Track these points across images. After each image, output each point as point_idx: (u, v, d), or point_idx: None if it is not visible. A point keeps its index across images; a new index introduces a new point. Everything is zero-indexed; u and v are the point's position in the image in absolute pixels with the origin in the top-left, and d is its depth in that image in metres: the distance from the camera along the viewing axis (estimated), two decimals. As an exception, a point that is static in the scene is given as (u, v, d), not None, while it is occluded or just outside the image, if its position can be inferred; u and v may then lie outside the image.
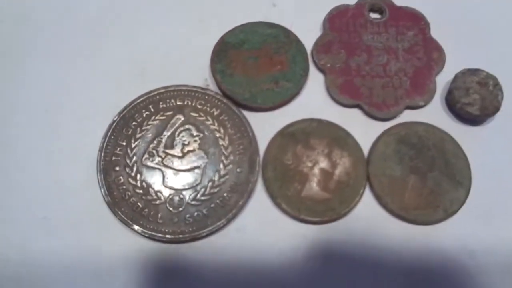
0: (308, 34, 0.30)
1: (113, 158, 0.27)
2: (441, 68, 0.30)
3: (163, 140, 0.27)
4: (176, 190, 0.26)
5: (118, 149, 0.27)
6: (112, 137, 0.27)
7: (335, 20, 0.30)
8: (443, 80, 0.30)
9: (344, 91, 0.29)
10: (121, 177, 0.26)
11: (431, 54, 0.30)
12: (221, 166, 0.27)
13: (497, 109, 0.28)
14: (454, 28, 0.31)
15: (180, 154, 0.27)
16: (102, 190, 0.26)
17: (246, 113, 0.28)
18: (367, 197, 0.27)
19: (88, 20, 0.31)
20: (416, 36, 0.30)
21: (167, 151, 0.27)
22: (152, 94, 0.28)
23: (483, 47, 0.31)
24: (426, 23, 0.31)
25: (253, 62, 0.29)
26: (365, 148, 0.28)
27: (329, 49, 0.30)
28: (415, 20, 0.31)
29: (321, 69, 0.29)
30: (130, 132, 0.27)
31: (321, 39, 0.30)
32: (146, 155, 0.27)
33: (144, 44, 0.30)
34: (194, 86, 0.29)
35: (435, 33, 0.30)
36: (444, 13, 0.31)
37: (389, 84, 0.29)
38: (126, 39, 0.30)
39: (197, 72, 0.29)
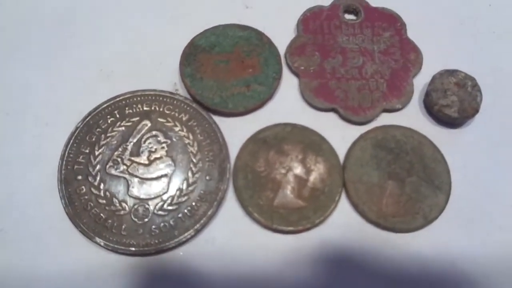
0: (282, 37, 0.29)
1: (75, 166, 0.25)
2: (418, 69, 0.29)
3: (129, 147, 0.26)
4: (141, 199, 0.25)
5: (81, 157, 0.26)
6: (75, 144, 0.26)
7: (309, 21, 0.30)
8: (420, 82, 0.29)
9: (318, 95, 0.28)
10: (83, 187, 0.25)
11: (408, 56, 0.29)
12: (190, 174, 0.25)
13: (476, 110, 0.27)
14: (431, 29, 0.30)
15: (146, 162, 0.26)
16: (63, 201, 0.25)
17: (217, 119, 0.27)
18: (343, 204, 0.26)
19: (53, 20, 0.30)
20: (392, 37, 0.29)
21: (133, 158, 0.26)
22: (118, 99, 0.27)
23: (461, 48, 0.30)
24: (403, 24, 0.30)
25: (224, 65, 0.28)
26: (341, 153, 0.27)
27: (303, 51, 0.29)
28: (391, 21, 0.30)
29: (295, 72, 0.28)
30: (94, 139, 0.26)
31: (295, 41, 0.29)
32: (110, 163, 0.26)
33: (111, 46, 0.29)
34: (162, 91, 0.27)
35: (411, 34, 0.30)
36: (420, 14, 0.31)
37: (365, 86, 0.28)
38: (93, 41, 0.29)
39: (166, 76, 0.28)
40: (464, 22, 0.31)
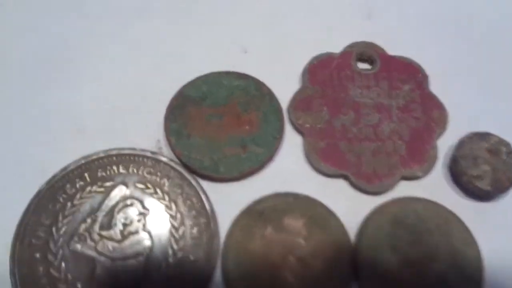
0: (284, 87, 0.25)
1: (33, 241, 0.21)
2: (443, 130, 0.25)
3: (99, 219, 0.22)
4: (110, 285, 0.21)
5: (41, 229, 0.21)
6: (35, 213, 0.22)
7: (317, 71, 0.26)
8: (445, 144, 0.25)
9: (326, 158, 0.24)
10: (41, 268, 0.21)
11: (431, 113, 0.25)
12: (170, 252, 0.21)
13: (512, 183, 0.23)
14: (457, 82, 0.26)
15: (119, 237, 0.21)
16: (14, 287, 0.20)
17: (205, 185, 0.23)
18: (355, 295, 0.21)
19: (20, 63, 0.26)
20: (412, 91, 0.25)
21: (103, 233, 0.21)
22: (90, 159, 0.23)
23: (493, 106, 0.26)
24: (424, 76, 0.26)
25: (216, 121, 0.24)
26: (352, 230, 0.22)
27: (309, 105, 0.25)
28: (411, 72, 0.26)
29: (299, 130, 0.24)
30: (57, 207, 0.22)
31: (300, 93, 0.25)
32: (76, 238, 0.21)
33: (84, 95, 0.25)
34: (143, 150, 0.23)
35: (434, 87, 0.26)
36: (444, 64, 0.27)
37: (381, 149, 0.24)
38: (63, 88, 0.25)
39: (147, 132, 0.24)
40: (496, 76, 0.27)
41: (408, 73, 0.26)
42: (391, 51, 0.26)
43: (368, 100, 0.25)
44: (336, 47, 0.26)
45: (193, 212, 0.22)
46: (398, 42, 0.27)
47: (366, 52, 0.26)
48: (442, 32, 0.28)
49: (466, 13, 0.28)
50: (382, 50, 0.26)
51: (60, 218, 0.22)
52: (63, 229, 0.21)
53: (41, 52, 0.26)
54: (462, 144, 0.24)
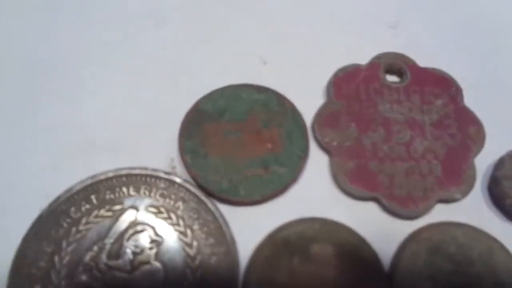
0: (308, 102, 0.23)
1: (33, 271, 0.19)
2: (480, 147, 0.23)
3: (107, 247, 0.19)
4: (119, 324, 0.18)
5: (42, 258, 0.19)
6: (35, 240, 0.19)
7: (342, 84, 0.24)
8: (483, 163, 0.23)
9: (355, 179, 0.21)
10: (41, 303, 0.19)
11: (467, 129, 0.23)
12: (186, 285, 0.19)
13: (561, 208, 0.21)
14: (493, 95, 0.24)
15: (128, 268, 0.19)
16: (10, 325, 0.18)
17: (224, 209, 0.21)
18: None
19: (21, 73, 0.24)
20: (446, 106, 0.24)
21: (111, 263, 0.19)
22: (97, 179, 0.21)
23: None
24: (458, 89, 0.24)
25: (235, 138, 0.22)
26: (385, 258, 0.20)
27: (335, 122, 0.23)
28: (444, 85, 0.24)
29: (325, 149, 0.22)
30: (61, 233, 0.20)
31: (325, 108, 0.23)
32: (81, 269, 0.19)
33: (91, 109, 0.23)
34: (155, 170, 0.21)
35: (469, 101, 0.24)
36: (479, 76, 0.25)
37: (415, 170, 0.22)
38: (68, 101, 0.23)
39: (160, 151, 0.22)
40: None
41: (441, 87, 0.24)
42: (421, 62, 0.25)
43: (398, 116, 0.23)
44: (362, 59, 0.25)
45: (211, 240, 0.20)
46: (428, 52, 0.25)
47: (395, 63, 0.24)
48: (475, 42, 0.26)
49: (501, 21, 0.27)
50: (412, 61, 0.25)
51: (64, 245, 0.19)
52: (67, 258, 0.19)
53: (43, 61, 0.24)
54: (502, 163, 0.22)
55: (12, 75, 0.24)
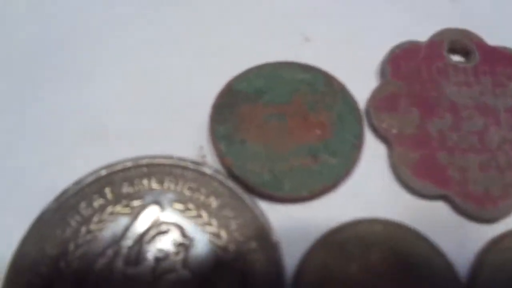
0: (359, 83, 0.20)
1: (32, 279, 0.15)
2: None
3: (123, 251, 0.16)
4: None
5: (44, 263, 0.16)
6: (37, 241, 0.16)
7: (400, 62, 0.20)
8: None
9: (421, 173, 0.18)
10: (43, 319, 0.15)
11: (547, 117, 0.20)
12: (221, 299, 0.16)
13: None
14: None
15: (150, 277, 0.16)
16: None
17: (266, 206, 0.17)
18: None
19: (23, 51, 0.21)
20: (521, 90, 0.20)
21: (128, 271, 0.16)
22: (113, 169, 0.17)
23: None
24: (533, 71, 0.21)
25: (277, 123, 0.18)
26: (460, 269, 0.17)
27: (394, 105, 0.19)
28: (518, 66, 0.21)
29: (383, 137, 0.19)
30: (68, 234, 0.16)
31: (381, 90, 0.20)
32: (91, 278, 0.16)
33: (106, 90, 0.20)
34: (181, 159, 0.18)
35: (546, 86, 0.20)
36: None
37: (491, 163, 0.18)
38: (79, 81, 0.20)
39: (187, 136, 0.19)
40: None
41: (514, 67, 0.21)
42: (491, 40, 0.21)
43: (468, 100, 0.20)
44: (420, 35, 0.21)
45: (252, 244, 0.16)
46: (495, 28, 0.22)
47: (459, 41, 0.21)
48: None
49: None
50: (480, 39, 0.21)
51: (71, 248, 0.16)
52: (75, 264, 0.16)
53: (50, 37, 0.21)
54: None
55: (14, 53, 0.21)
